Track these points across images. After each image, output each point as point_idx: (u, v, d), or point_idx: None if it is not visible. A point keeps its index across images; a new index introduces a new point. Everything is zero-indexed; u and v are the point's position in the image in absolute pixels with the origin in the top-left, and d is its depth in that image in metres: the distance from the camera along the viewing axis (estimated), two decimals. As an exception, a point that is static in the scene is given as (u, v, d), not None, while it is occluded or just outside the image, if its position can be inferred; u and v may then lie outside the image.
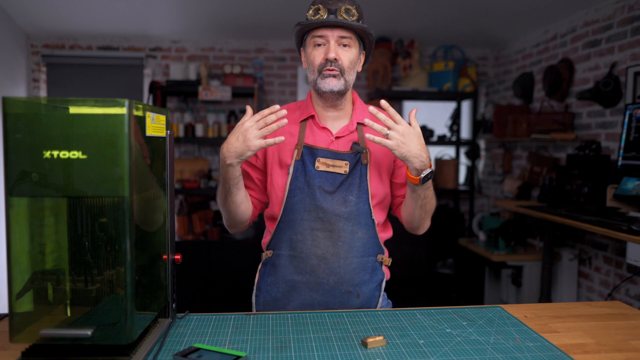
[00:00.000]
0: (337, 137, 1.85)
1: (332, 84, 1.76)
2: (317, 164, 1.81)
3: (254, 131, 1.62)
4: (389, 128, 1.64)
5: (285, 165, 1.85)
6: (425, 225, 1.93)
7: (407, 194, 1.84)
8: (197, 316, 1.63)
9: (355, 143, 1.82)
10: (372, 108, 1.65)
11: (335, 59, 1.75)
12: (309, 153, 1.82)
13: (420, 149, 1.65)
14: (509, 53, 5.59)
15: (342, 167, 1.81)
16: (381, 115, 1.65)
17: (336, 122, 1.89)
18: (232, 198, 1.78)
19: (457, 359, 1.33)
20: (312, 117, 1.89)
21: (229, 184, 1.73)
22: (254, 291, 1.96)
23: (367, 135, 1.64)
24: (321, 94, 1.80)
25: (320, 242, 1.80)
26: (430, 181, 1.73)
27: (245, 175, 1.93)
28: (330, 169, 1.81)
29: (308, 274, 1.81)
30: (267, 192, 1.91)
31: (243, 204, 1.84)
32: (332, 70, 1.75)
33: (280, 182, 1.84)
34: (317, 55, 1.78)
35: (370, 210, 1.84)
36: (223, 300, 4.90)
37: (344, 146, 1.85)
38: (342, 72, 1.77)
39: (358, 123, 1.88)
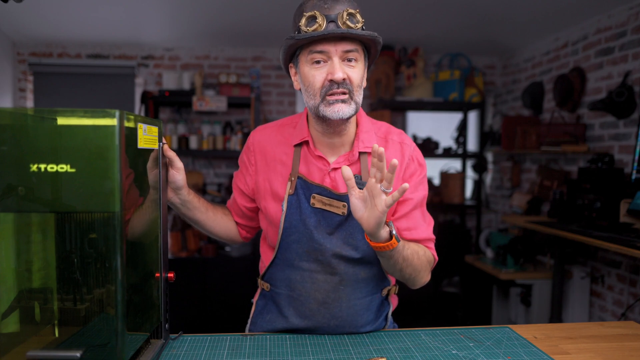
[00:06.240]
0: (334, 169, 1.69)
1: (342, 111, 1.54)
2: (312, 200, 1.66)
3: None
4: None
5: (278, 199, 1.72)
6: (418, 282, 1.72)
7: (379, 258, 1.62)
8: (191, 337, 1.64)
9: (356, 177, 1.64)
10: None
11: (343, 79, 1.53)
12: (304, 186, 1.68)
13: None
14: (518, 61, 5.62)
15: (340, 208, 1.64)
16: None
17: (335, 149, 1.71)
18: (186, 217, 1.81)
19: (464, 382, 1.33)
20: (307, 142, 1.72)
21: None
22: (249, 324, 1.90)
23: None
24: (325, 120, 1.60)
25: (320, 285, 1.69)
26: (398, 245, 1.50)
27: (233, 199, 1.92)
28: (327, 208, 1.65)
29: (307, 319, 1.71)
30: (262, 223, 1.83)
31: (205, 224, 1.84)
32: (340, 94, 1.54)
33: (274, 218, 1.72)
34: (317, 76, 1.55)
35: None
36: (218, 320, 4.89)
37: (342, 179, 1.66)
38: (351, 94, 1.55)
39: (360, 152, 1.69)
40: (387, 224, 1.46)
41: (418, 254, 1.63)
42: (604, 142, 4.12)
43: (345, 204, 1.64)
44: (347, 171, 1.38)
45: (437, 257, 1.79)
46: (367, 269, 1.71)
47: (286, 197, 1.68)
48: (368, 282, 1.73)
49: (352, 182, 1.39)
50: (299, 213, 1.67)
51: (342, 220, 1.66)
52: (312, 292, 1.70)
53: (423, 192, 1.76)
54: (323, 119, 1.61)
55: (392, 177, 1.33)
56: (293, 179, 1.69)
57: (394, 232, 1.46)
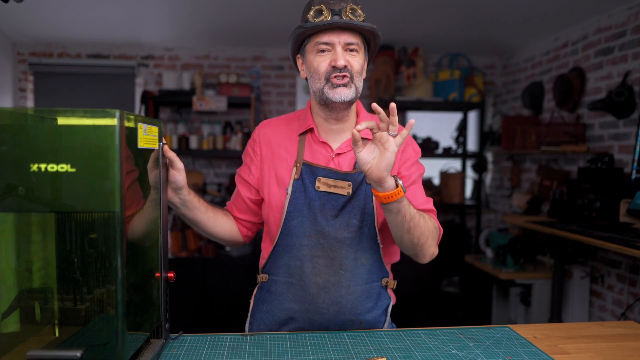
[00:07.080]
0: (337, 154, 1.78)
1: (343, 93, 1.66)
2: (317, 183, 1.73)
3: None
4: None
5: (283, 185, 1.78)
6: (427, 250, 1.71)
7: (387, 219, 1.64)
8: (192, 337, 1.63)
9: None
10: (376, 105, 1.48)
11: (345, 66, 1.65)
12: (309, 171, 1.75)
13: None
14: (518, 61, 5.61)
15: (345, 188, 1.72)
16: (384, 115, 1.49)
17: (338, 136, 1.81)
18: (186, 218, 1.80)
19: (464, 382, 1.33)
20: (312, 130, 1.81)
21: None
22: (248, 318, 1.92)
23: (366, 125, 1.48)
24: (329, 104, 1.71)
25: (320, 270, 1.73)
26: (404, 199, 1.55)
27: (235, 195, 1.94)
28: (332, 190, 1.73)
29: (307, 303, 1.74)
30: (264, 212, 1.86)
31: (206, 224, 1.83)
32: (342, 78, 1.66)
33: (277, 203, 1.77)
34: (321, 62, 1.67)
35: (376, 233, 1.75)
36: (218, 320, 4.89)
37: (346, 164, 1.77)
38: (352, 79, 1.67)
39: (362, 138, 1.72)
40: (392, 176, 1.53)
41: (424, 217, 1.67)
42: (604, 142, 4.12)
43: (350, 183, 1.73)
44: (357, 131, 1.47)
45: (441, 228, 1.81)
46: (368, 254, 1.77)
47: (291, 181, 1.75)
48: (368, 269, 1.77)
49: (359, 138, 1.47)
50: (304, 197, 1.74)
51: (346, 201, 1.74)
52: (312, 276, 1.73)
53: (418, 171, 1.84)
54: (326, 103, 1.72)
55: (396, 119, 1.46)
56: (298, 165, 1.76)
57: (399, 182, 1.53)
